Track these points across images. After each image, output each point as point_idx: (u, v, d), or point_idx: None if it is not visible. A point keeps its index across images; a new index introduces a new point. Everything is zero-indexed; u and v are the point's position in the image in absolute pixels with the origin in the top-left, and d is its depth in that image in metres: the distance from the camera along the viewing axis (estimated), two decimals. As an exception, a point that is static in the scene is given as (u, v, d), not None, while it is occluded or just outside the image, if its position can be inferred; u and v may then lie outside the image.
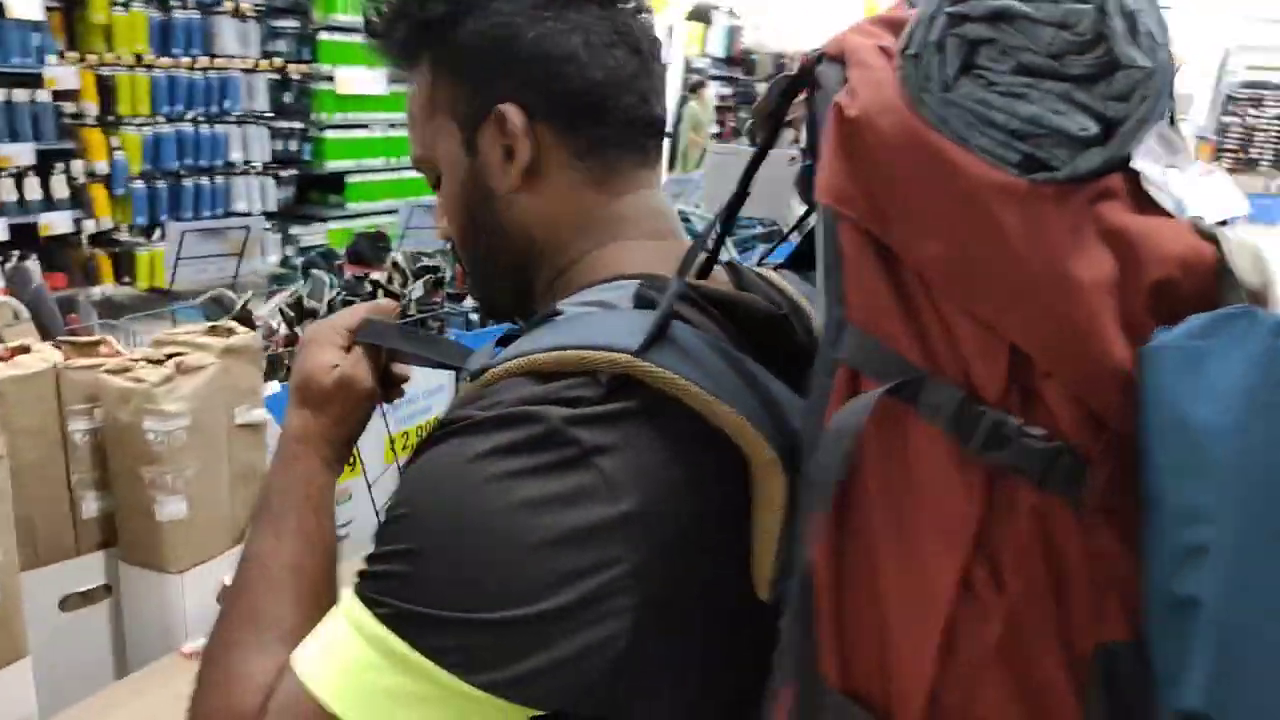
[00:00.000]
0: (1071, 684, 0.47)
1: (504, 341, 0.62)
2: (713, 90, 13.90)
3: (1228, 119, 17.61)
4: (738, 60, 15.02)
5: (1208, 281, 0.46)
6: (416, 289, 2.27)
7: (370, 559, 0.54)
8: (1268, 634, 0.40)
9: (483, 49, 0.65)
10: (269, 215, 5.47)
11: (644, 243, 0.67)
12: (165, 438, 1.53)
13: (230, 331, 1.71)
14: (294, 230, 5.72)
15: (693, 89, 11.07)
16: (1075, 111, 0.46)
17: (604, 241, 0.66)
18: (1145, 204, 0.48)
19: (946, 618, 0.47)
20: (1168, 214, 0.48)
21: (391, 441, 2.63)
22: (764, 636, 0.54)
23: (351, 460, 2.54)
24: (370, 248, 2.48)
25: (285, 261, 5.59)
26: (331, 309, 2.32)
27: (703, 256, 0.62)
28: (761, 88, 14.52)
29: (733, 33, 15.09)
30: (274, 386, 1.90)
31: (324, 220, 5.86)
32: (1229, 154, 19.24)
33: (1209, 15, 8.04)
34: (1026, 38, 0.46)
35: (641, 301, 0.58)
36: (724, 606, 0.55)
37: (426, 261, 2.60)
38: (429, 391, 2.81)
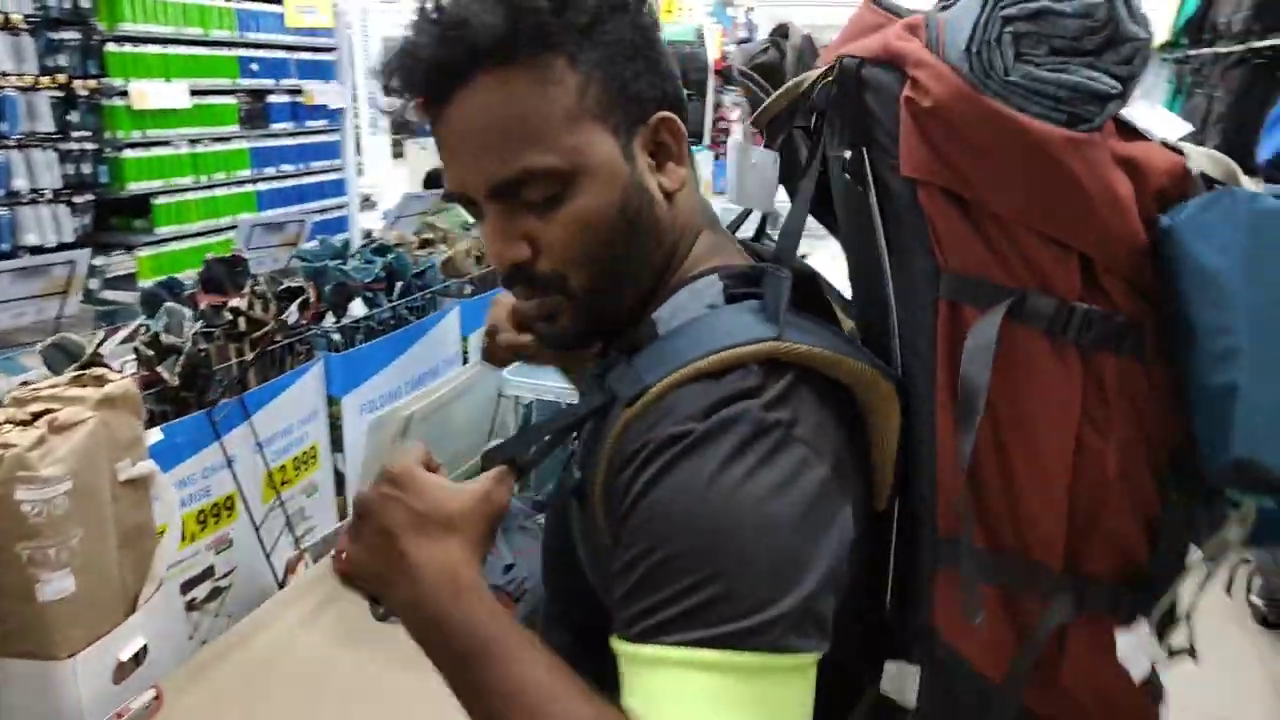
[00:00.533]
0: (1155, 482, 0.66)
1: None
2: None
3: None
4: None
5: (1186, 182, 0.65)
6: (292, 313, 2.11)
7: (662, 604, 0.56)
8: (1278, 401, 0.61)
9: (632, 53, 0.67)
10: (66, 247, 4.94)
11: (709, 233, 0.74)
12: (44, 507, 1.35)
13: (101, 380, 1.53)
14: (97, 261, 5.19)
15: None
16: (1101, 76, 0.61)
17: (699, 231, 0.74)
18: (1126, 134, 0.66)
19: (1071, 469, 0.64)
20: (1143, 139, 0.66)
21: (270, 476, 2.45)
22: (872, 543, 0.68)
23: (229, 504, 2.34)
24: (227, 273, 2.27)
25: (89, 296, 5.07)
26: (194, 343, 2.12)
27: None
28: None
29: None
30: (156, 434, 1.72)
31: (130, 248, 5.34)
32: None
33: None
34: (1056, 28, 0.60)
35: (730, 295, 0.67)
36: (859, 525, 0.64)
37: (289, 283, 2.43)
38: (303, 420, 2.63)
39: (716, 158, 12.34)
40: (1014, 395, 0.64)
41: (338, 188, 6.81)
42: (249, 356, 2.28)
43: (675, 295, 0.69)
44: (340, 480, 2.91)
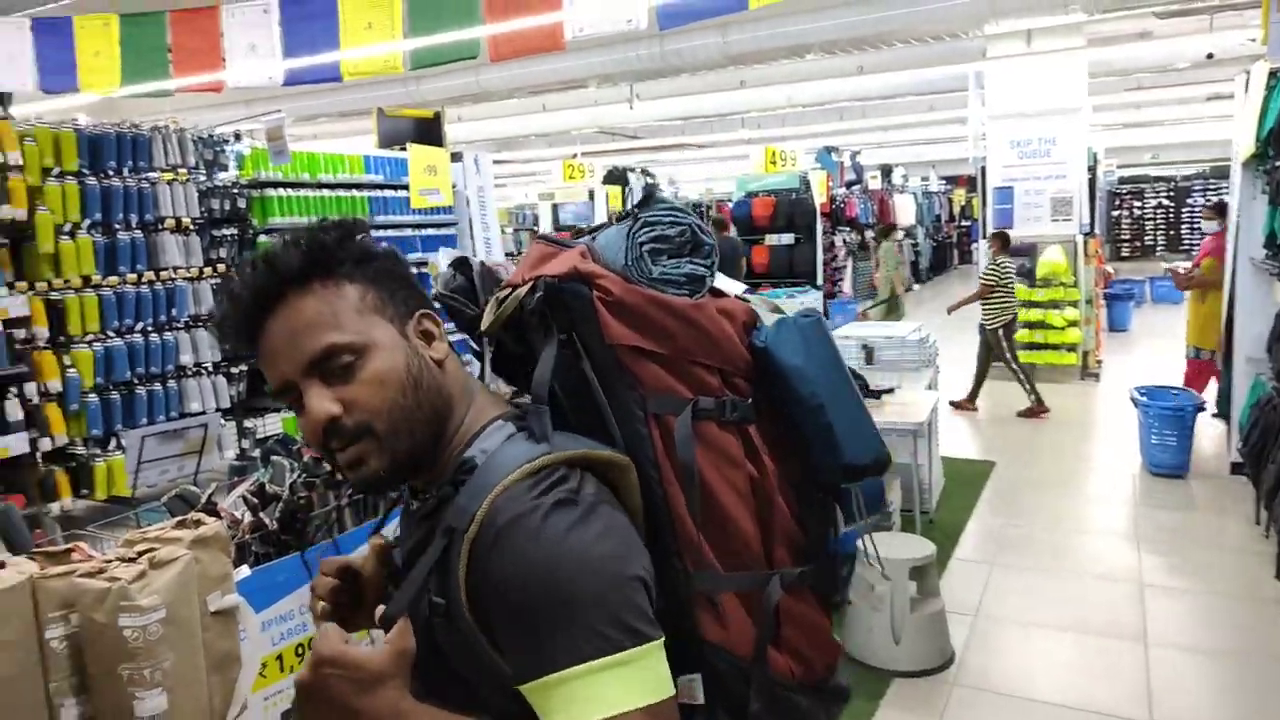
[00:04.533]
0: (793, 493, 1.06)
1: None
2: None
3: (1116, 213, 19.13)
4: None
5: (752, 316, 1.09)
6: (373, 462, 2.37)
7: (556, 640, 0.81)
8: (857, 424, 1.05)
9: (393, 276, 0.99)
10: (223, 412, 5.55)
11: (483, 394, 1.03)
12: (141, 632, 1.59)
13: (198, 523, 1.80)
14: (249, 423, 5.80)
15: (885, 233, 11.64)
16: (696, 266, 1.05)
17: (474, 394, 1.01)
18: (716, 294, 1.08)
19: (751, 496, 1.01)
20: (725, 295, 1.10)
21: (264, 666, 2.55)
22: None
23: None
24: (325, 429, 2.59)
25: (242, 454, 5.63)
26: (293, 491, 2.40)
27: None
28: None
29: (650, 190, 15.97)
30: (244, 571, 1.97)
31: (277, 410, 5.95)
32: (1128, 244, 20.65)
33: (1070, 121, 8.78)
34: (669, 244, 1.05)
35: (518, 430, 0.96)
36: None
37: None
38: (305, 608, 2.79)
39: (830, 296, 12.46)
40: (707, 461, 0.98)
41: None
42: (344, 502, 2.55)
43: (481, 439, 0.96)
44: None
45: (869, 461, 1.05)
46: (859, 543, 3.53)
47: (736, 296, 1.10)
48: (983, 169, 9.28)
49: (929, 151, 19.72)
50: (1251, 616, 3.81)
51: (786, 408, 1.04)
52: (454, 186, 6.76)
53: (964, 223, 19.09)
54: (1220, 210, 7.35)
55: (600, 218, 15.34)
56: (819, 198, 12.54)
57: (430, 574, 0.89)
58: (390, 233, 6.44)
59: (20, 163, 4.52)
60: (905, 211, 17.33)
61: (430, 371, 0.96)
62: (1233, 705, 3.21)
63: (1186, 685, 3.31)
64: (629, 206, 1.18)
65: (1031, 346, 8.82)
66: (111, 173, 4.94)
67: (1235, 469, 5.45)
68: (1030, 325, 8.83)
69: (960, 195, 21.22)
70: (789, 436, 1.06)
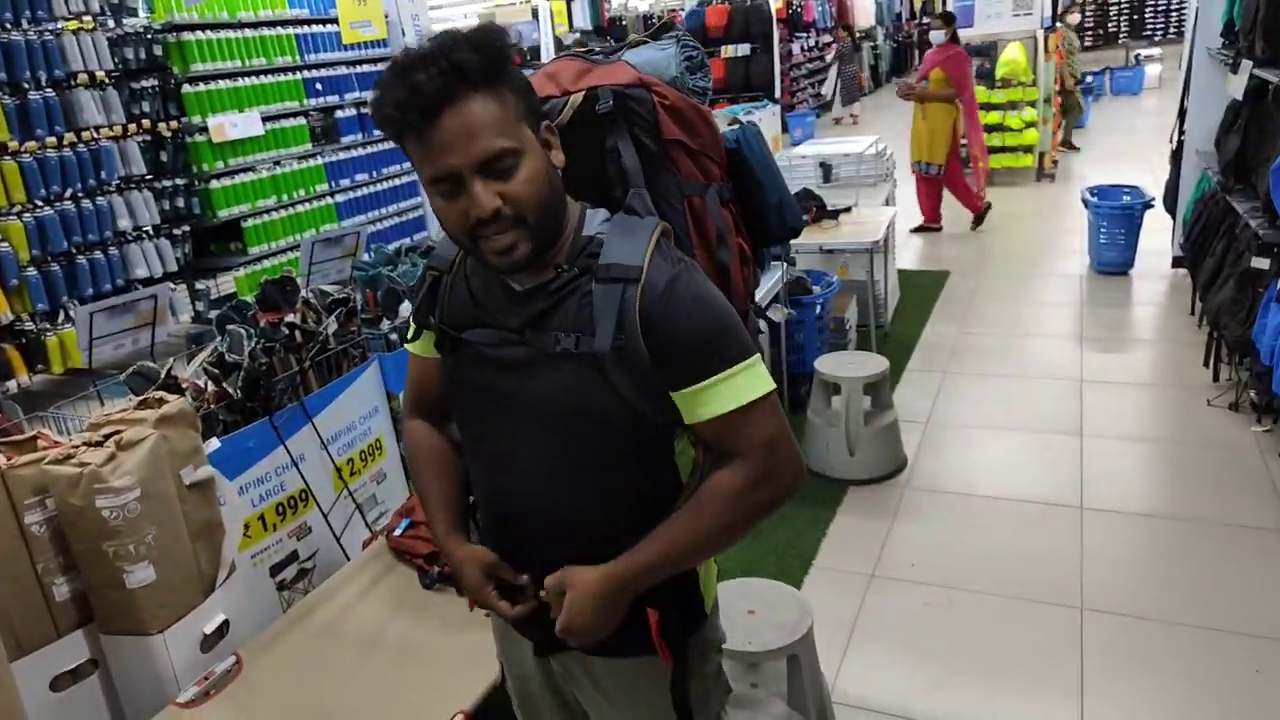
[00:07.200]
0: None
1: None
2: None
3: (1081, -1, 18.42)
4: (606, 29, 15.08)
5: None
6: (330, 324, 2.36)
7: (720, 352, 1.10)
8: (792, 199, 1.43)
9: (529, 86, 1.10)
10: (171, 275, 5.43)
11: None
12: (120, 511, 1.63)
13: (161, 401, 1.80)
14: (201, 285, 5.68)
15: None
16: (705, 81, 1.35)
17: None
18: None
19: (739, 256, 1.35)
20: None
21: (338, 470, 2.73)
22: None
23: (304, 496, 2.62)
24: (279, 292, 2.54)
25: (198, 316, 5.57)
26: (253, 359, 2.40)
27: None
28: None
29: (596, 4, 15.10)
30: (214, 443, 2.00)
31: (229, 269, 5.83)
32: (1089, 31, 20.06)
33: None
34: (693, 62, 1.34)
35: (611, 213, 1.20)
36: None
37: (336, 295, 2.69)
38: (364, 416, 2.91)
39: (790, 109, 12.07)
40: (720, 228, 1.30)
41: (412, 190, 7.17)
42: (306, 365, 2.55)
43: (587, 221, 1.17)
44: (408, 467, 3.18)
45: (801, 224, 1.45)
46: (815, 364, 3.65)
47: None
48: (941, -37, 8.85)
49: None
50: (1178, 404, 4.04)
51: (748, 191, 1.37)
52: (386, 17, 6.35)
53: (924, 20, 18.36)
54: (948, 20, 6.93)
55: (546, 36, 14.62)
56: (775, 3, 11.93)
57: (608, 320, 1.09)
58: (324, 72, 6.08)
59: (-95, 20, 4.17)
60: (864, 12, 16.62)
61: (556, 173, 1.12)
62: (1155, 484, 3.47)
63: (1115, 470, 3.55)
64: (648, 33, 1.47)
65: (990, 150, 8.75)
66: (9, 25, 4.57)
67: (1176, 263, 5.60)
68: (989, 129, 8.72)
69: (920, -9, 20.33)
70: (741, 214, 1.40)
